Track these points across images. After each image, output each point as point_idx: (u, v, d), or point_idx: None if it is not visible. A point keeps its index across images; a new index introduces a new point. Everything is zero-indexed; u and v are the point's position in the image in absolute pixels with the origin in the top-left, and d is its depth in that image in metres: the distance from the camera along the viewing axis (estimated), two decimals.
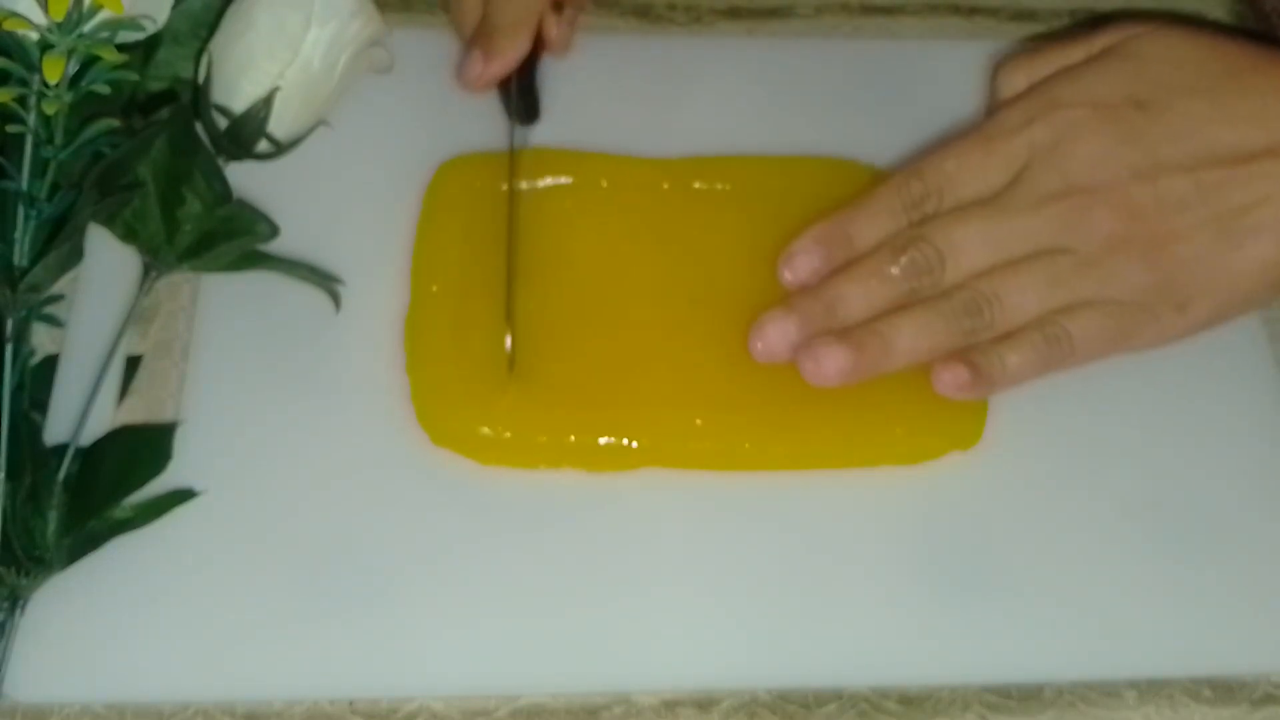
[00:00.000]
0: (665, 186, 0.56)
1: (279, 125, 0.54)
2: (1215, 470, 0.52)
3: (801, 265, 0.51)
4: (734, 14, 0.63)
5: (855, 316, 0.50)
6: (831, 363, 0.49)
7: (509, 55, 0.57)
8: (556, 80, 0.60)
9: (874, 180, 0.56)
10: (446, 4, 0.61)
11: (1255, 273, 0.50)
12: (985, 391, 0.50)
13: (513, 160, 0.56)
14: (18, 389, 0.48)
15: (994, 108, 0.53)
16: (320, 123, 0.56)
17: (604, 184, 0.56)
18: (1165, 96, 0.50)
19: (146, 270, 0.52)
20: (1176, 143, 0.50)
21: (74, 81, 0.48)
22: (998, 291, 0.49)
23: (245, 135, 0.54)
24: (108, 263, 0.53)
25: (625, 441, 0.50)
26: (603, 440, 0.50)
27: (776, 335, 0.50)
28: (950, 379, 0.49)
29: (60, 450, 0.48)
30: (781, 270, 0.52)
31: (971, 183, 0.50)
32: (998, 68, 0.54)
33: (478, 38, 0.58)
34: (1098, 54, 0.52)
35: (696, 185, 0.56)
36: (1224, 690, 0.47)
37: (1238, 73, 0.51)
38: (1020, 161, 0.50)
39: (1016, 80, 0.53)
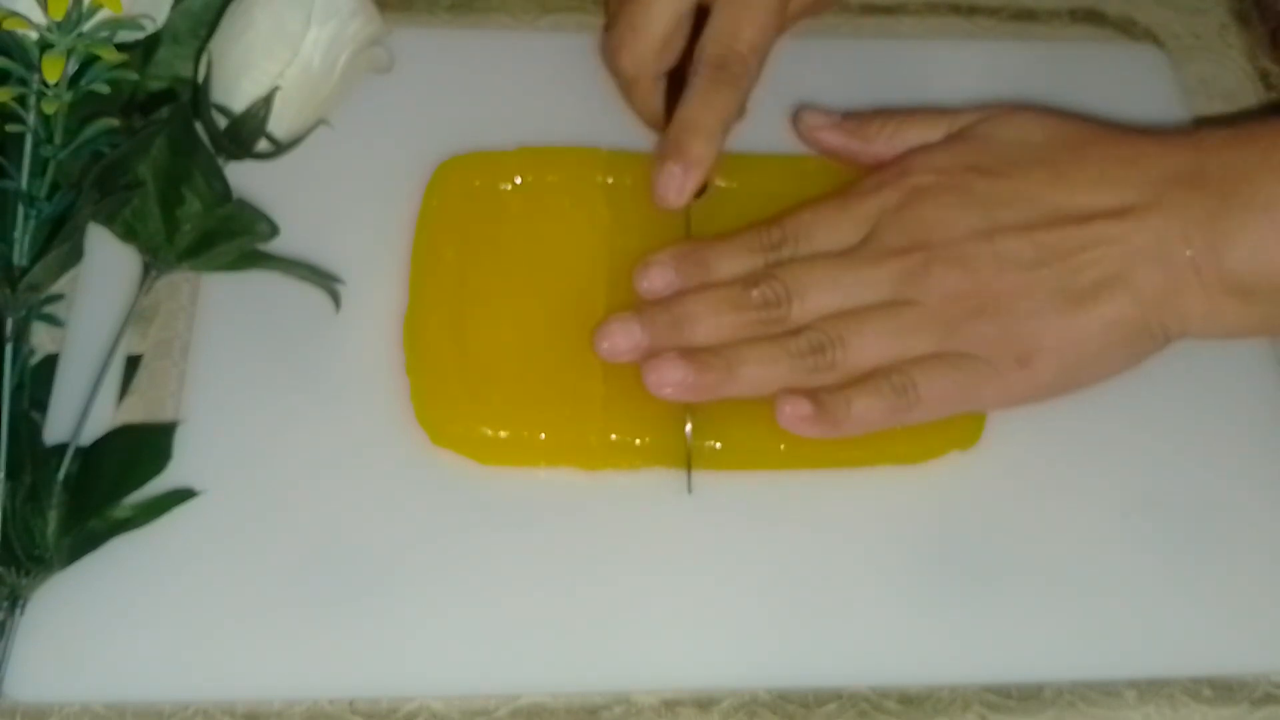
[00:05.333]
0: None
1: (279, 125, 0.54)
2: (1215, 470, 0.52)
3: (656, 276, 0.53)
4: None
5: (701, 338, 0.51)
6: (671, 375, 0.50)
7: (708, 159, 0.55)
8: (557, 80, 0.60)
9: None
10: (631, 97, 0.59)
11: (1097, 331, 0.50)
12: (828, 430, 0.50)
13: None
14: (18, 389, 0.48)
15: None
16: (320, 122, 0.56)
17: (603, 180, 0.56)
18: (1006, 166, 0.53)
19: (146, 270, 0.52)
20: (1014, 206, 0.52)
21: (73, 81, 0.48)
22: (841, 334, 0.51)
23: (245, 135, 0.54)
24: (108, 262, 0.53)
25: (626, 441, 0.50)
26: (602, 440, 0.50)
27: (621, 337, 0.51)
28: (790, 410, 0.50)
29: (60, 450, 0.48)
30: (636, 278, 0.53)
31: (826, 236, 0.53)
32: (871, 123, 0.57)
33: (671, 144, 0.55)
34: (955, 134, 0.55)
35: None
36: (1224, 690, 0.47)
37: (1077, 145, 0.54)
38: (871, 222, 0.53)
39: (887, 136, 0.56)
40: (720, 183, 0.56)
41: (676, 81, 0.57)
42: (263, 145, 0.54)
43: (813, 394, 0.50)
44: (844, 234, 0.53)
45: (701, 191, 0.55)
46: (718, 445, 0.51)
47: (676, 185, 0.54)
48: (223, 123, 0.54)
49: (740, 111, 0.56)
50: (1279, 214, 0.50)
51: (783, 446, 0.50)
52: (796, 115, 0.58)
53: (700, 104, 0.55)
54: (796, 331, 0.51)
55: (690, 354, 0.51)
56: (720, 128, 0.55)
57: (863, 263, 0.52)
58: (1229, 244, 0.50)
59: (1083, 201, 0.52)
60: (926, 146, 0.55)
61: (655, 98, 0.58)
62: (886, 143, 0.56)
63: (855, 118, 0.57)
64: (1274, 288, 0.50)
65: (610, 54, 0.58)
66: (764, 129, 0.59)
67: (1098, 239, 0.51)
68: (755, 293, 0.52)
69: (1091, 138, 0.54)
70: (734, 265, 0.53)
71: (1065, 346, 0.51)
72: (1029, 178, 0.53)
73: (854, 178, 0.56)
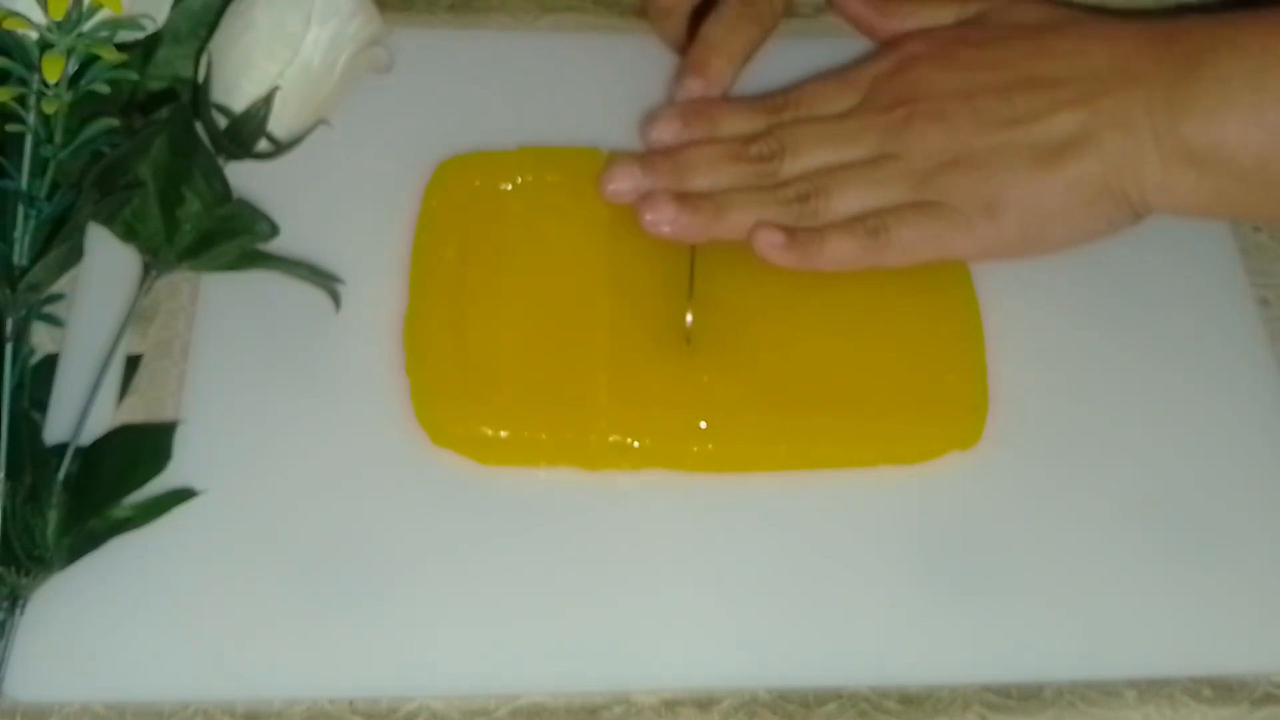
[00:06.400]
0: None
1: (279, 125, 0.54)
2: (1215, 470, 0.52)
3: (664, 127, 0.56)
4: None
5: (697, 185, 0.55)
6: (665, 213, 0.54)
7: (728, 80, 0.59)
8: (557, 80, 0.60)
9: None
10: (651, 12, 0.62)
11: (1061, 188, 0.53)
12: (800, 259, 0.53)
13: None
14: (18, 388, 0.48)
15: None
16: (320, 122, 0.56)
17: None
18: (993, 40, 0.57)
19: (146, 270, 0.52)
20: (995, 70, 0.56)
21: (73, 81, 0.48)
22: (826, 185, 0.54)
23: (245, 135, 0.54)
24: (108, 262, 0.53)
25: (626, 441, 0.50)
26: (603, 440, 0.50)
27: (623, 177, 0.55)
28: (765, 238, 0.53)
29: (60, 450, 0.48)
30: (643, 127, 0.57)
31: (824, 101, 0.57)
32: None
33: (693, 61, 0.59)
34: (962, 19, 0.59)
35: None
36: (1224, 690, 0.47)
37: (1064, 24, 0.58)
38: (865, 88, 0.57)
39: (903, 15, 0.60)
40: None
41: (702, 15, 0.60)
42: (263, 145, 0.54)
43: (790, 229, 0.54)
44: (841, 99, 0.57)
45: None
46: (718, 446, 0.51)
47: (695, 91, 0.58)
48: (223, 123, 0.54)
49: (759, 47, 0.60)
50: (1234, 87, 0.52)
51: (784, 447, 0.51)
52: None
53: (725, 28, 0.59)
54: (784, 182, 0.55)
55: (683, 196, 0.54)
56: (741, 53, 0.59)
57: (850, 121, 0.56)
58: (1185, 114, 0.53)
59: (1058, 67, 0.55)
60: (928, 28, 0.59)
61: (686, 30, 0.61)
62: (900, 21, 0.60)
63: None
64: (1225, 158, 0.53)
65: None
66: None
67: (1067, 101, 0.54)
68: (753, 148, 0.55)
69: (1077, 18, 0.58)
70: (738, 124, 0.57)
71: (1029, 199, 0.54)
72: (1011, 49, 0.57)
73: None
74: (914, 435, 0.51)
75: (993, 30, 0.58)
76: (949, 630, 0.48)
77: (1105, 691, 0.47)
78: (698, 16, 0.60)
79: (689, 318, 0.52)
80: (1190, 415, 0.53)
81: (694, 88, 0.58)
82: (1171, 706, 0.47)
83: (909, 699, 0.46)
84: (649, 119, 0.57)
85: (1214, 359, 0.54)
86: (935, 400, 0.52)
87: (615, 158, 0.55)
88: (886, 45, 0.59)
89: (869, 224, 0.54)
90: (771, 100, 0.57)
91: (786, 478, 0.51)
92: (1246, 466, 0.52)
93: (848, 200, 0.54)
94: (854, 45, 0.62)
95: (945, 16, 0.59)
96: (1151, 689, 0.47)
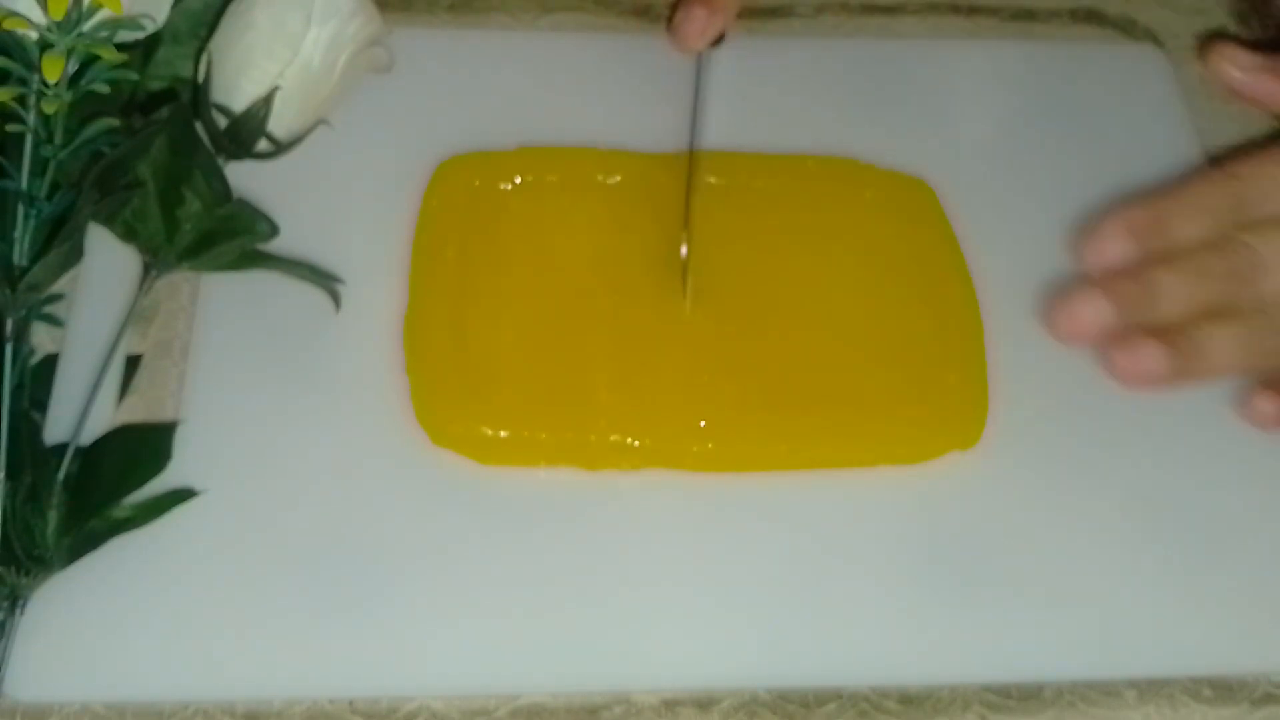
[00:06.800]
0: (664, 181, 0.56)
1: (279, 125, 0.54)
2: (1215, 470, 0.52)
3: (1110, 247, 0.48)
4: None
5: (1170, 313, 0.47)
6: (1150, 363, 0.46)
7: (733, 8, 0.55)
8: (557, 80, 0.60)
9: (872, 178, 0.57)
10: None
11: None
12: None
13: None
14: (18, 388, 0.48)
15: None
16: (320, 122, 0.56)
17: (603, 180, 0.56)
18: None
19: (146, 270, 0.52)
20: None
21: (73, 81, 0.48)
22: None
23: (245, 135, 0.54)
24: (108, 262, 0.53)
25: (626, 441, 0.50)
26: (603, 440, 0.50)
27: (1090, 315, 0.47)
28: (1271, 409, 0.47)
29: (60, 450, 0.48)
30: (1084, 251, 0.49)
31: None
32: None
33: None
34: None
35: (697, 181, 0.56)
36: (1224, 690, 0.47)
37: None
38: None
39: None
40: (712, 179, 0.56)
41: None
42: (263, 145, 0.54)
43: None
44: None
45: (718, 41, 0.55)
46: (719, 446, 0.51)
47: (699, 26, 0.55)
48: (223, 123, 0.54)
49: None
50: None
51: (784, 447, 0.51)
52: (1209, 49, 0.52)
53: None
54: (1267, 308, 0.46)
55: (1160, 335, 0.47)
56: None
57: None
58: None
59: None
60: None
61: None
62: None
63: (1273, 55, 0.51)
64: None
65: None
66: (763, 128, 0.59)
67: None
68: (1229, 262, 0.47)
69: None
70: (1194, 227, 0.48)
71: None
72: None
73: (854, 179, 0.56)
74: (914, 435, 0.51)
75: None
76: (949, 630, 0.48)
77: (1105, 691, 0.47)
78: None
79: (683, 249, 0.50)
80: (1190, 415, 0.53)
81: (698, 14, 0.54)
82: (1171, 706, 0.47)
83: (909, 699, 0.46)
84: (1089, 238, 0.48)
85: None
86: (935, 400, 0.52)
87: (1070, 292, 0.48)
88: None
89: None
90: (1227, 186, 0.48)
91: (786, 477, 0.51)
92: (1247, 467, 0.52)
93: None
94: (856, 45, 0.62)
95: None
96: (1151, 689, 0.47)
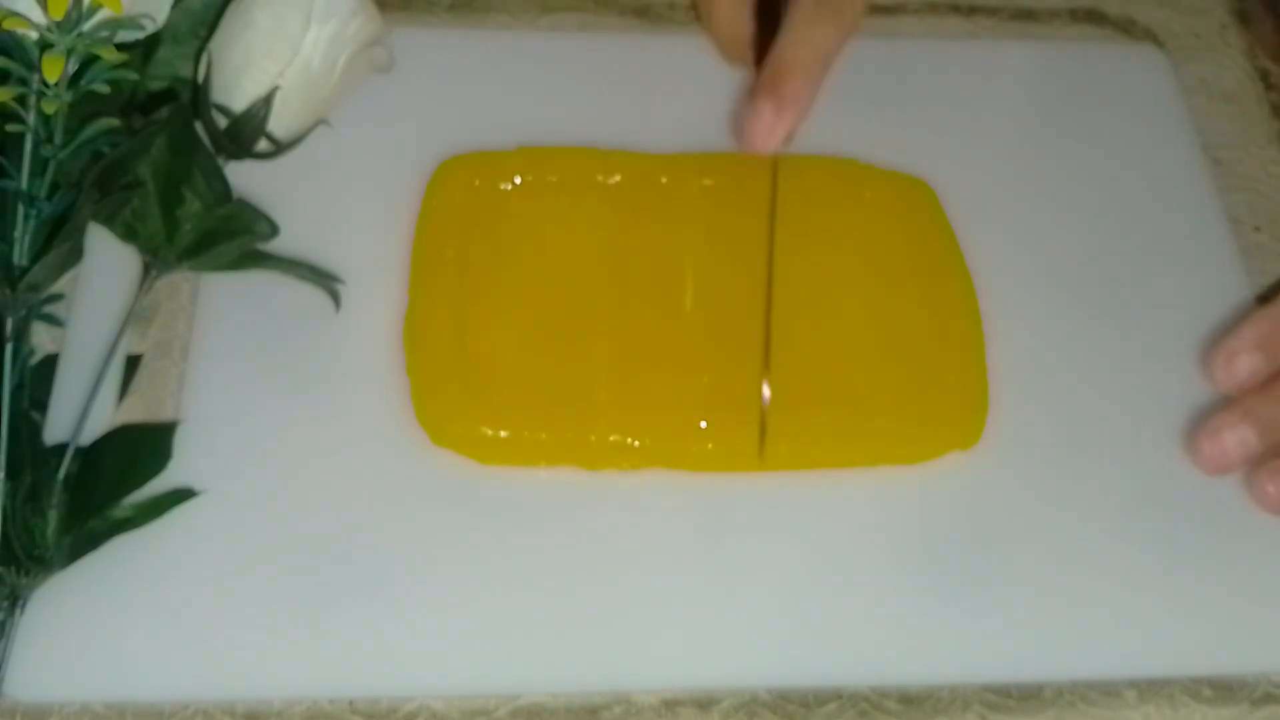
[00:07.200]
0: (664, 181, 0.56)
1: (279, 125, 0.54)
2: None
3: (1242, 366, 0.49)
4: None
5: None
6: None
7: (806, 101, 0.49)
8: (557, 80, 0.60)
9: (872, 178, 0.57)
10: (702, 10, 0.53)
11: None
12: None
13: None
14: (18, 389, 0.48)
15: None
16: (320, 122, 0.56)
17: (603, 180, 0.56)
18: None
19: (146, 270, 0.52)
20: None
21: (73, 81, 0.48)
22: None
23: (245, 135, 0.54)
24: (108, 262, 0.53)
25: (626, 441, 0.50)
26: (603, 440, 0.50)
27: (1235, 444, 0.47)
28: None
29: (60, 450, 0.48)
30: (1214, 371, 0.49)
31: None
32: None
33: (764, 81, 0.50)
34: None
35: (697, 182, 0.56)
36: (1224, 690, 0.47)
37: None
38: None
39: None
40: (708, 182, 0.56)
41: (763, 13, 0.54)
42: (263, 145, 0.54)
43: None
44: None
45: (788, 139, 0.51)
46: (719, 446, 0.51)
47: (765, 126, 0.50)
48: (223, 123, 0.54)
49: (840, 52, 0.50)
50: None
51: (784, 447, 0.51)
52: (1213, 359, 0.50)
53: (799, 38, 0.50)
54: None
55: None
56: (820, 66, 0.50)
57: None
58: None
59: None
60: None
61: (740, 23, 0.53)
62: None
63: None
64: None
65: None
66: None
67: None
68: None
69: None
70: None
71: None
72: None
73: (854, 180, 0.56)
74: (914, 435, 0.51)
75: None
76: (949, 630, 0.48)
77: (1105, 691, 0.47)
78: (760, 17, 0.54)
79: (765, 391, 0.49)
80: (1190, 415, 0.53)
81: (765, 113, 0.49)
82: (1171, 706, 0.47)
83: (909, 699, 0.46)
84: (1223, 357, 0.48)
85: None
86: (935, 400, 0.52)
87: (1206, 427, 0.48)
88: None
89: None
90: None
91: (786, 477, 0.51)
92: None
93: None
94: (856, 45, 0.62)
95: None
96: (1151, 689, 0.47)
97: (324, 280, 0.53)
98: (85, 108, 0.48)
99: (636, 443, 0.50)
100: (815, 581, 0.49)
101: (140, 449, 0.50)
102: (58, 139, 0.48)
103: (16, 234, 0.49)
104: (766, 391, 0.49)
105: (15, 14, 0.47)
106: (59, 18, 0.47)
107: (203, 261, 0.52)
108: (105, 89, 0.48)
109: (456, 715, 0.45)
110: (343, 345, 0.53)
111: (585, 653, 0.47)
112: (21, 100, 0.47)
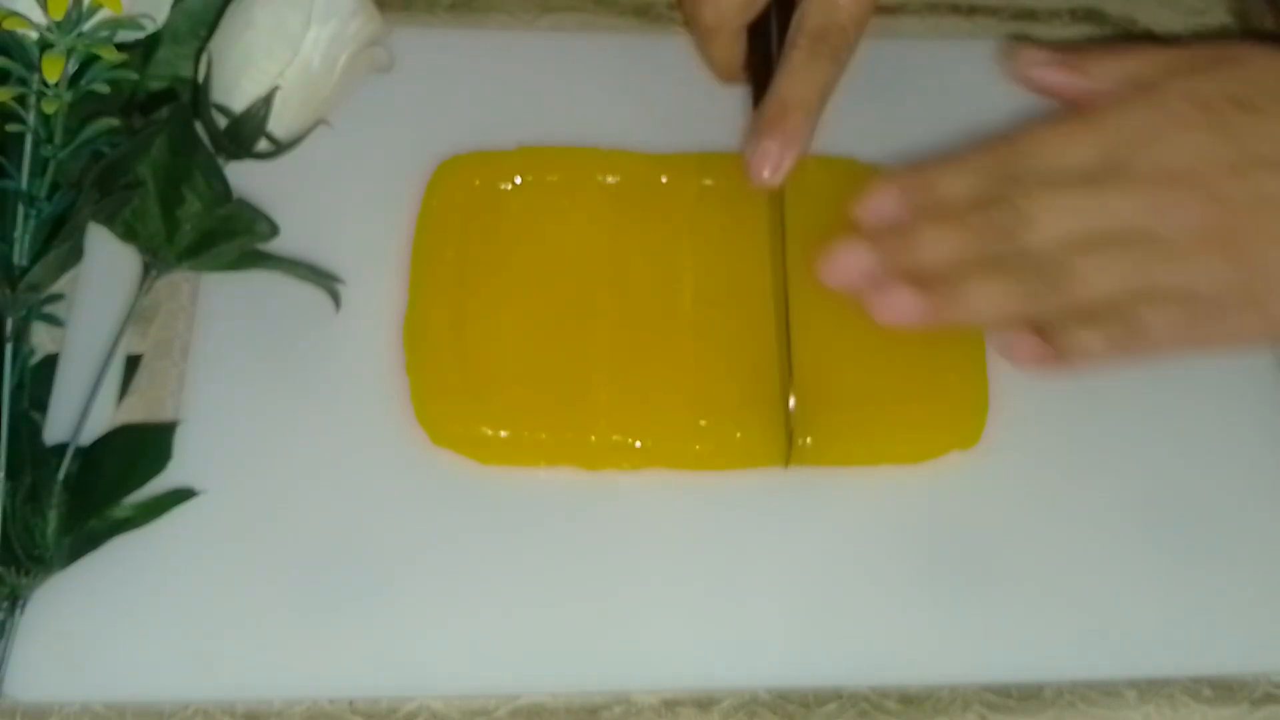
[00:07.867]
0: (664, 181, 0.56)
1: (279, 124, 0.54)
2: (1215, 470, 0.52)
3: (880, 201, 0.51)
4: None
5: (930, 261, 0.50)
6: (903, 306, 0.49)
7: (809, 136, 0.53)
8: (557, 80, 0.60)
9: (871, 178, 0.56)
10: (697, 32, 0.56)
11: None
12: (1060, 368, 0.50)
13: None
14: (18, 389, 0.48)
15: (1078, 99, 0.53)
16: (320, 122, 0.56)
17: (604, 180, 0.56)
18: (1266, 101, 0.49)
19: (146, 270, 0.52)
20: (1273, 143, 0.48)
21: (73, 81, 0.48)
22: (1078, 266, 0.48)
23: (245, 135, 0.54)
24: (108, 262, 0.53)
25: (626, 441, 0.50)
26: (603, 440, 0.50)
27: (849, 260, 0.50)
28: (1026, 350, 0.50)
29: (60, 450, 0.49)
30: (856, 211, 0.52)
31: (1064, 156, 0.50)
32: (1090, 57, 0.53)
33: (768, 119, 0.53)
34: (1201, 59, 0.51)
35: (696, 182, 0.56)
36: (1224, 690, 0.47)
37: None
38: (1115, 143, 0.49)
39: (1109, 71, 0.53)
40: (708, 182, 0.56)
41: (753, 34, 0.57)
42: (263, 145, 0.54)
43: (1040, 331, 0.50)
44: (1085, 155, 0.49)
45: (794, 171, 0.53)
46: (719, 446, 0.51)
47: (772, 162, 0.52)
48: (223, 123, 0.54)
49: (836, 87, 0.54)
50: None
51: (784, 447, 0.50)
52: (1011, 52, 0.55)
53: (799, 77, 0.53)
54: (1027, 259, 0.49)
55: (919, 283, 0.50)
56: (819, 102, 0.53)
57: (1107, 189, 0.48)
58: None
59: None
60: (1175, 68, 0.51)
61: (734, 50, 0.57)
62: (1110, 79, 0.52)
63: (1071, 52, 0.54)
64: None
65: (690, 2, 0.57)
66: None
67: None
68: (988, 215, 0.49)
69: None
70: (961, 186, 0.51)
71: None
72: None
73: (854, 180, 0.56)
74: (915, 435, 0.51)
75: (1257, 87, 0.49)
76: (949, 630, 0.48)
77: (1105, 691, 0.47)
78: (751, 37, 0.57)
79: (790, 401, 0.50)
80: (1190, 415, 0.53)
81: (771, 150, 0.52)
82: (1171, 706, 0.47)
83: (909, 699, 0.46)
84: (865, 195, 0.51)
85: (1214, 359, 0.54)
86: (936, 400, 0.52)
87: (837, 242, 0.51)
88: (1130, 84, 0.51)
89: (1125, 317, 0.48)
90: (996, 151, 0.51)
91: (787, 477, 0.51)
92: (1247, 466, 0.52)
93: (1102, 286, 0.48)
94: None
95: (1155, 69, 0.51)
96: (1151, 689, 0.47)
97: (324, 280, 0.53)
98: (85, 108, 0.49)
99: (636, 443, 0.50)
100: (815, 581, 0.49)
101: (140, 449, 0.50)
102: (58, 139, 0.48)
103: (16, 234, 0.49)
104: (792, 401, 0.50)
105: (15, 14, 0.47)
106: (59, 18, 0.47)
107: (203, 261, 0.52)
108: (105, 89, 0.48)
109: (456, 715, 0.45)
110: (343, 345, 0.53)
111: (585, 653, 0.47)
112: (21, 100, 0.48)
